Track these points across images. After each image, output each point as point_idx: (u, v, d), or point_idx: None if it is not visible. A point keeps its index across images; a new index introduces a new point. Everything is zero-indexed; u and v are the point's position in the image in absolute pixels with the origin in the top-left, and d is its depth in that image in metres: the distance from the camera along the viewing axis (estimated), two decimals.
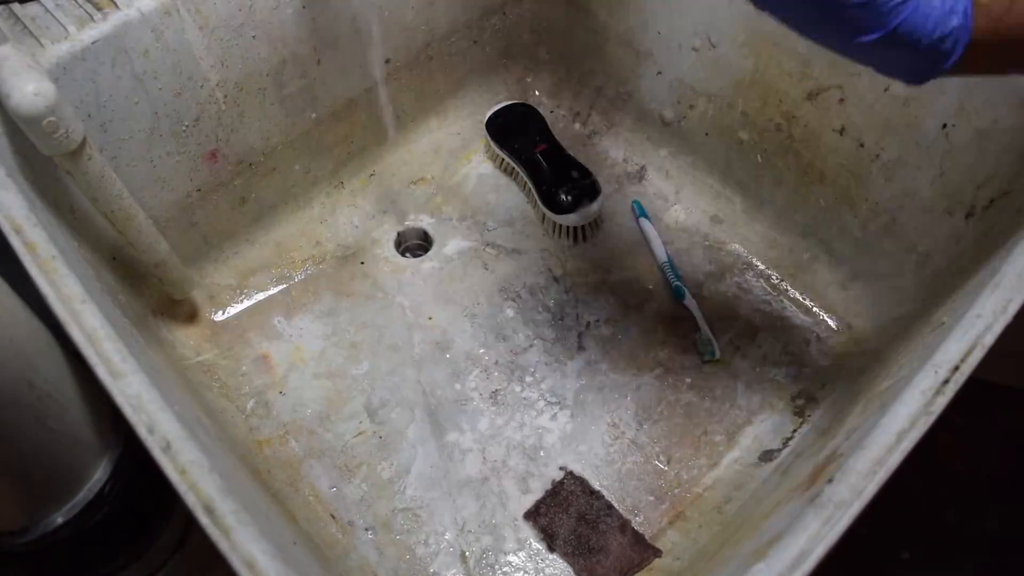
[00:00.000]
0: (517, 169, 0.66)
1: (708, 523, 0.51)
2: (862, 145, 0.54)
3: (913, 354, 0.41)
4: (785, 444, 0.54)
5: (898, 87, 0.50)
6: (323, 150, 0.63)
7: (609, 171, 0.68)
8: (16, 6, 0.46)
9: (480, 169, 0.69)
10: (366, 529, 0.51)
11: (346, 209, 0.66)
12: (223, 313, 0.60)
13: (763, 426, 0.55)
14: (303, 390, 0.56)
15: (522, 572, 0.50)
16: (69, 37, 0.45)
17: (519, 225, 0.66)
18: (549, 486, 0.53)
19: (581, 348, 0.59)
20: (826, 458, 0.38)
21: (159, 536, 0.51)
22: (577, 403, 0.56)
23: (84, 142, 0.41)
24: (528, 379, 0.57)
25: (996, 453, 0.72)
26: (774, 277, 0.62)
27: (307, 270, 0.62)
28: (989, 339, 0.35)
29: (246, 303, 0.60)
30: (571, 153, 0.66)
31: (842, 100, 0.54)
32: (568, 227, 0.63)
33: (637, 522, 0.51)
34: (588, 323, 0.60)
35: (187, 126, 0.52)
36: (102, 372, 0.33)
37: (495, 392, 0.56)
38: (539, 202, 0.64)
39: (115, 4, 0.46)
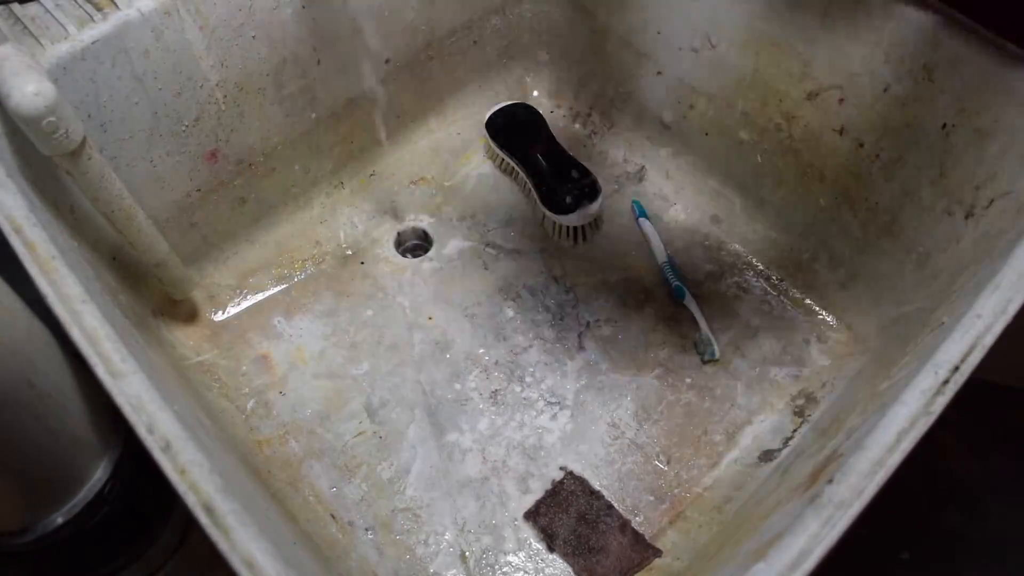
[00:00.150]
0: (517, 169, 0.66)
1: (708, 523, 0.51)
2: (862, 145, 0.54)
3: (913, 354, 0.41)
4: (785, 444, 0.54)
5: (898, 87, 0.50)
6: (323, 150, 0.63)
7: (609, 171, 0.68)
8: (16, 6, 0.46)
9: (480, 169, 0.69)
10: (366, 529, 0.51)
11: (346, 209, 0.66)
12: (223, 313, 0.60)
13: (763, 426, 0.55)
14: (303, 390, 0.56)
15: (522, 572, 0.50)
16: (69, 37, 0.45)
17: (519, 225, 0.66)
18: (549, 486, 0.53)
19: (581, 348, 0.59)
20: (826, 458, 0.38)
21: (159, 536, 0.51)
22: (577, 403, 0.56)
23: (84, 142, 0.41)
24: (528, 379, 0.57)
25: (996, 453, 0.72)
26: (774, 277, 0.62)
27: (307, 270, 0.62)
28: (989, 339, 0.35)
29: (246, 303, 0.60)
30: (571, 153, 0.66)
31: (842, 100, 0.54)
32: (568, 227, 0.63)
33: (637, 522, 0.51)
34: (588, 323, 0.60)
35: (187, 126, 0.52)
36: (102, 372, 0.33)
37: (495, 392, 0.56)
38: (539, 202, 0.64)
39: (115, 4, 0.46)
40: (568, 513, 0.51)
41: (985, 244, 0.46)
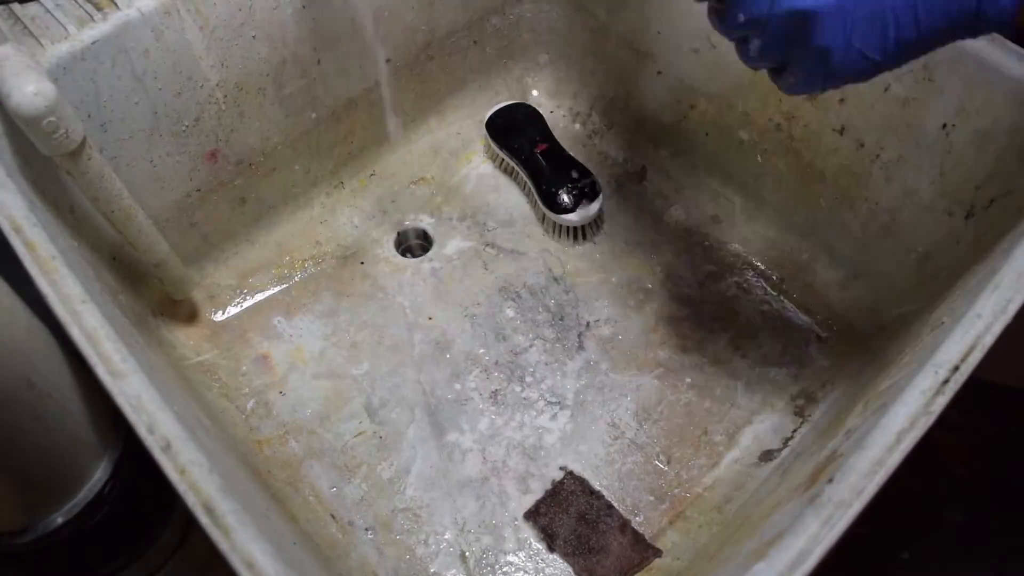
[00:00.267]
0: (517, 169, 0.66)
1: (708, 523, 0.51)
2: (862, 145, 0.54)
3: (913, 354, 0.41)
4: (785, 444, 0.54)
5: (898, 87, 0.50)
6: (323, 150, 0.63)
7: (609, 171, 0.68)
8: (16, 6, 0.46)
9: (480, 169, 0.69)
10: (366, 529, 0.51)
11: (346, 209, 0.66)
12: (223, 313, 0.60)
13: (763, 426, 0.55)
14: (303, 390, 0.56)
15: (522, 572, 0.50)
16: (69, 37, 0.45)
17: (519, 225, 0.66)
18: (549, 486, 0.53)
19: (581, 348, 0.59)
20: (826, 458, 0.38)
21: (159, 536, 0.51)
22: (577, 403, 0.56)
23: (84, 142, 0.41)
24: (528, 379, 0.57)
25: (996, 453, 0.72)
26: (774, 277, 0.62)
27: (307, 270, 0.62)
28: (989, 339, 0.35)
29: (246, 303, 0.60)
30: (571, 153, 0.66)
31: (842, 100, 0.54)
32: (568, 227, 0.63)
33: (637, 522, 0.51)
34: (588, 323, 0.60)
35: (187, 126, 0.52)
36: (102, 372, 0.33)
37: (495, 392, 0.56)
38: (539, 202, 0.64)
39: (115, 4, 0.46)
40: (568, 513, 0.51)
41: (985, 244, 0.46)
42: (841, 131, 0.55)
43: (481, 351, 0.58)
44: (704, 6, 0.37)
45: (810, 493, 0.33)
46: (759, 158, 0.61)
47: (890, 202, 0.54)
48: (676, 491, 0.52)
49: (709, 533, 0.50)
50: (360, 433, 0.55)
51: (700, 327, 0.59)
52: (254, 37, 0.52)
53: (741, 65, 0.38)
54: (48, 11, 0.46)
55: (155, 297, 0.55)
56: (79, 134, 0.40)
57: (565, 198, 0.62)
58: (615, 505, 0.52)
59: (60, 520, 0.43)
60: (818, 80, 0.36)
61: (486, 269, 0.63)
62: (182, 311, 0.58)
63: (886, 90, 0.51)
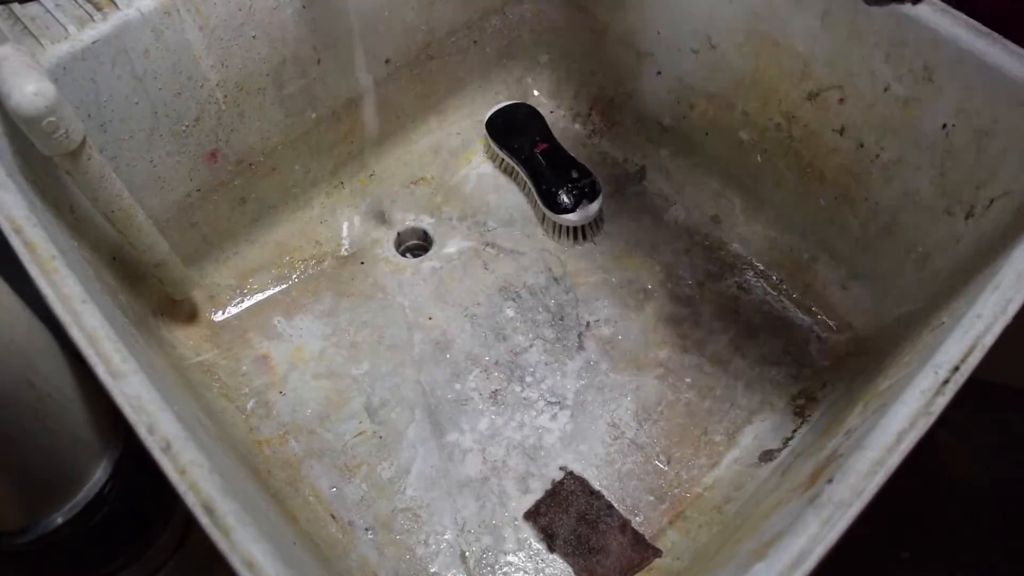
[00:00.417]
0: (517, 169, 0.66)
1: (708, 523, 0.51)
2: (862, 145, 0.54)
3: (913, 354, 0.41)
4: (785, 444, 0.54)
5: (898, 87, 0.50)
6: (323, 150, 0.63)
7: (609, 171, 0.68)
8: (16, 6, 0.46)
9: (480, 169, 0.69)
10: (366, 529, 0.51)
11: (346, 209, 0.66)
12: (223, 313, 0.60)
13: (763, 426, 0.55)
14: (303, 390, 0.56)
15: (522, 572, 0.50)
16: (69, 37, 0.45)
17: (519, 225, 0.66)
18: (549, 486, 0.53)
19: (581, 348, 0.59)
20: (826, 458, 0.38)
21: (159, 536, 0.51)
22: (577, 403, 0.56)
23: (84, 142, 0.41)
24: (528, 379, 0.57)
25: (996, 453, 0.72)
26: (774, 277, 0.62)
27: (307, 270, 0.62)
28: (989, 339, 0.35)
29: (246, 303, 0.60)
30: (571, 153, 0.66)
31: (842, 100, 0.54)
32: (568, 227, 0.63)
33: (637, 522, 0.51)
34: (588, 323, 0.60)
35: (187, 126, 0.52)
36: (102, 372, 0.33)
37: (495, 392, 0.56)
38: (539, 202, 0.64)
39: (115, 4, 0.46)
40: (568, 513, 0.51)
41: (985, 244, 0.46)
42: (841, 131, 0.55)
43: (481, 351, 0.58)
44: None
45: (810, 493, 0.33)
46: (759, 158, 0.61)
47: (890, 202, 0.54)
48: (676, 491, 0.52)
49: (709, 533, 0.50)
50: (360, 433, 0.55)
51: (700, 327, 0.59)
52: (254, 37, 0.52)
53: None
54: (48, 11, 0.46)
55: (155, 297, 0.55)
56: (79, 134, 0.40)
57: (565, 198, 0.62)
58: (615, 505, 0.52)
59: (60, 520, 0.43)
60: None
61: (486, 269, 0.63)
62: (182, 311, 0.58)
63: (886, 90, 0.51)
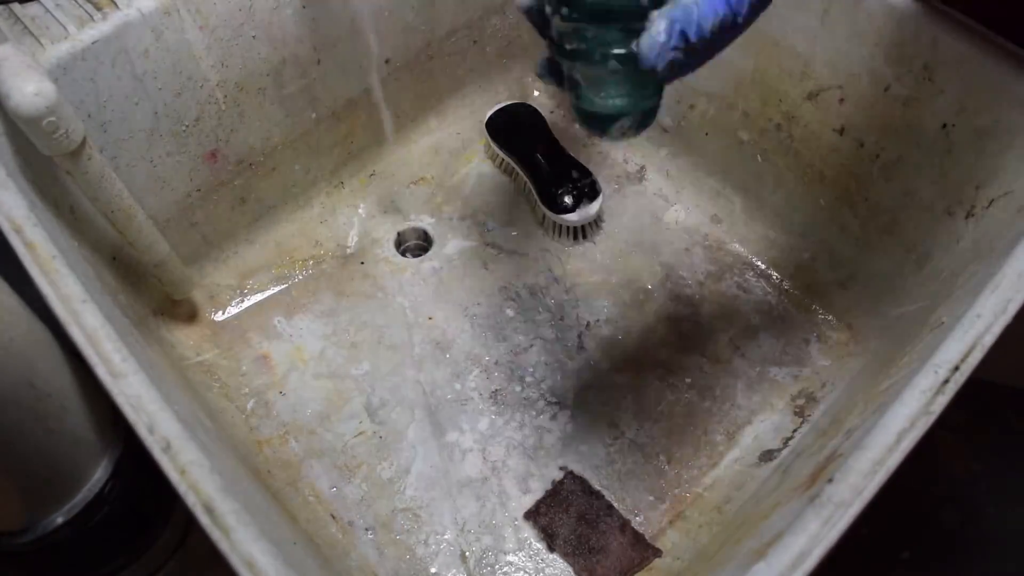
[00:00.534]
0: (517, 169, 0.66)
1: (708, 523, 0.51)
2: (862, 145, 0.54)
3: (913, 354, 0.41)
4: (785, 444, 0.54)
5: (898, 87, 0.50)
6: (323, 150, 0.63)
7: (609, 171, 0.68)
8: (16, 6, 0.46)
9: (480, 169, 0.69)
10: (366, 529, 0.51)
11: (346, 209, 0.66)
12: (223, 313, 0.60)
13: (763, 426, 0.55)
14: (303, 390, 0.56)
15: (522, 572, 0.50)
16: (69, 37, 0.45)
17: (519, 225, 0.66)
18: (549, 486, 0.53)
19: (581, 348, 0.59)
20: (826, 458, 0.38)
21: (159, 536, 0.51)
22: (577, 403, 0.56)
23: (84, 142, 0.41)
24: (528, 379, 0.57)
25: (996, 453, 0.72)
26: (774, 277, 0.62)
27: (307, 270, 0.62)
28: (989, 339, 0.35)
29: (246, 303, 0.60)
30: (571, 153, 0.66)
31: (842, 100, 0.54)
32: (568, 227, 0.63)
33: (637, 522, 0.51)
34: (588, 323, 0.60)
35: (187, 126, 0.52)
36: (102, 372, 0.33)
37: (495, 392, 0.56)
38: (539, 202, 0.63)
39: (115, 4, 0.46)
40: (568, 513, 0.51)
41: (985, 244, 0.46)
42: (841, 131, 0.55)
43: (481, 351, 0.58)
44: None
45: (810, 493, 0.33)
46: (759, 158, 0.61)
47: (890, 202, 0.54)
48: (676, 491, 0.52)
49: (709, 533, 0.50)
50: (360, 433, 0.55)
51: (700, 327, 0.59)
52: (254, 37, 0.52)
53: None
54: (48, 11, 0.46)
55: (155, 297, 0.55)
56: (79, 134, 0.40)
57: (565, 198, 0.62)
58: (615, 505, 0.52)
59: (60, 520, 0.43)
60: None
61: (486, 269, 0.63)
62: (182, 311, 0.58)
63: (886, 90, 0.51)
